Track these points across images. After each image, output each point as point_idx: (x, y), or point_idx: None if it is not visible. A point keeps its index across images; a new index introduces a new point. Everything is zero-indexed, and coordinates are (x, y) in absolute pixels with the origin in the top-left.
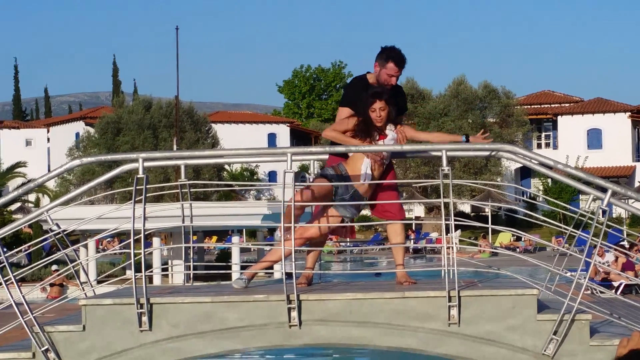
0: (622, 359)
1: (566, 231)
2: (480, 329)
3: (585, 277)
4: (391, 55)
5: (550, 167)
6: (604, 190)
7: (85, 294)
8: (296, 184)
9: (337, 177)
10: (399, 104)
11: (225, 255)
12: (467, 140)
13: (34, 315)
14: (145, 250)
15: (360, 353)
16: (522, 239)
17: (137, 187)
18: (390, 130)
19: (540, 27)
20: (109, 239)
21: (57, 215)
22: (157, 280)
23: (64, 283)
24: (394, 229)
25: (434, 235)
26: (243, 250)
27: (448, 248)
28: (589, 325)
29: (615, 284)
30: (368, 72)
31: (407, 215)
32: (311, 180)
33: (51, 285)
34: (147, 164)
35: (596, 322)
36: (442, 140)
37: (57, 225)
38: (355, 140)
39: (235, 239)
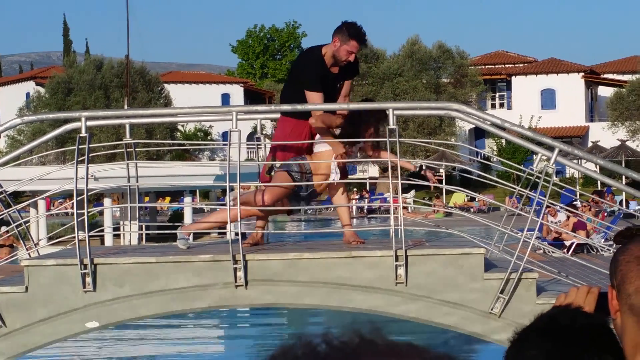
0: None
1: (516, 191)
2: (427, 288)
3: (533, 237)
4: (354, 34)
5: (498, 126)
6: (552, 149)
7: (29, 254)
8: (249, 143)
9: (299, 175)
10: (350, 70)
11: (177, 216)
12: (419, 172)
13: None
14: (91, 210)
15: (313, 313)
16: (476, 199)
17: (80, 147)
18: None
19: None
20: (60, 200)
21: (4, 175)
22: (109, 242)
23: (14, 244)
24: (336, 189)
25: (388, 195)
26: (196, 211)
27: (396, 208)
28: (536, 284)
29: (567, 243)
30: (321, 46)
31: (362, 175)
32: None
33: (1, 246)
34: (90, 123)
35: (545, 280)
36: (404, 165)
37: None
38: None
39: (187, 199)
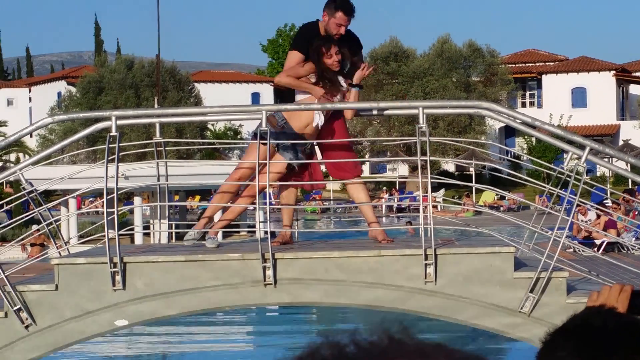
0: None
1: (546, 190)
2: (456, 287)
3: (563, 235)
4: (340, 5)
5: (529, 125)
6: (583, 147)
7: (59, 253)
8: (279, 141)
9: (273, 133)
10: (353, 48)
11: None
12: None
13: (6, 275)
14: (121, 208)
15: (343, 311)
16: (506, 198)
17: (110, 146)
18: (342, 80)
19: None
20: (91, 199)
21: (36, 174)
22: (139, 240)
23: (45, 243)
24: (354, 187)
25: (417, 194)
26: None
27: (426, 207)
28: (566, 283)
29: (598, 242)
30: (319, 20)
31: (391, 174)
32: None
33: (32, 244)
34: (120, 122)
35: (575, 279)
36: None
37: (30, 183)
38: (312, 86)
39: None
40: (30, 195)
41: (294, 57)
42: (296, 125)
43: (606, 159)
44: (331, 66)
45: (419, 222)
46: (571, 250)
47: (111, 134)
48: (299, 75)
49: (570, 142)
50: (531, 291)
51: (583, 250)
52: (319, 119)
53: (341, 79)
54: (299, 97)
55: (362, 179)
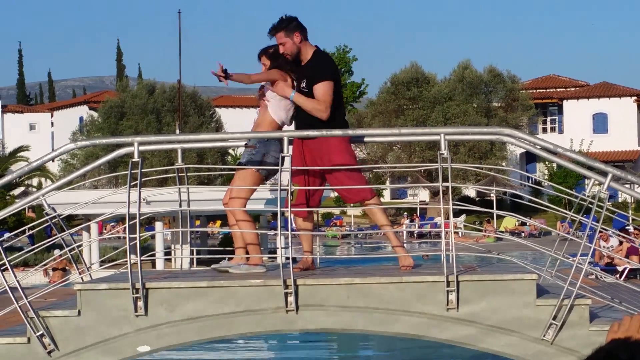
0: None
1: (568, 216)
2: (478, 314)
3: (585, 262)
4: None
5: (550, 151)
6: (605, 174)
7: (82, 278)
8: (300, 167)
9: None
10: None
11: (228, 240)
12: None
13: (28, 300)
14: (143, 234)
15: (363, 338)
16: (527, 224)
17: (133, 171)
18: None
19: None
20: (112, 224)
21: (58, 199)
22: (160, 265)
23: (67, 268)
24: (371, 211)
25: (438, 219)
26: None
27: (448, 233)
28: (589, 310)
29: (620, 268)
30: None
31: (412, 199)
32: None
33: (53, 269)
34: (142, 147)
35: (597, 307)
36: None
37: (53, 209)
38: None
39: None
40: (53, 221)
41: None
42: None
43: (628, 186)
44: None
45: (441, 249)
46: (593, 276)
47: (133, 160)
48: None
49: (591, 168)
50: (554, 319)
51: (605, 277)
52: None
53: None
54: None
55: (383, 205)
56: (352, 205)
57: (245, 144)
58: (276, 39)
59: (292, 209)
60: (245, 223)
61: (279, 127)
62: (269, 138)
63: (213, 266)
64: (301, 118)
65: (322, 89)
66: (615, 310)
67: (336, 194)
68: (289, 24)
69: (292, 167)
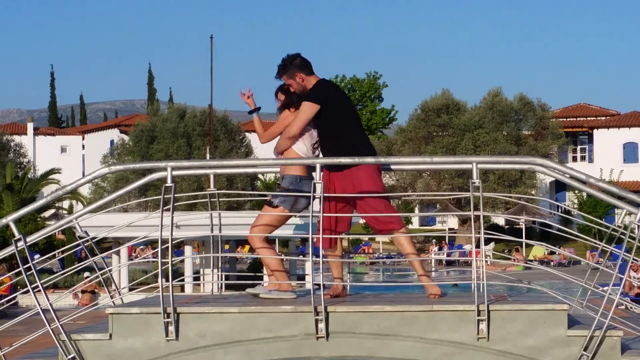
0: None
1: (598, 246)
2: (509, 344)
3: (617, 293)
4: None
5: (582, 181)
6: (637, 205)
7: (113, 302)
8: (331, 195)
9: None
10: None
11: (257, 265)
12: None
13: (60, 323)
14: (175, 259)
15: None
16: (556, 253)
17: (166, 196)
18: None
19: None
20: (142, 247)
21: (88, 222)
22: (188, 289)
23: (96, 290)
24: (397, 241)
25: (467, 247)
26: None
27: (478, 261)
28: (621, 342)
29: None
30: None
31: (441, 226)
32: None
33: (83, 292)
34: (175, 172)
35: (628, 338)
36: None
37: (86, 232)
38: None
39: None
40: (85, 244)
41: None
42: (293, 174)
43: None
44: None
45: (471, 277)
46: (623, 307)
47: (167, 185)
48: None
49: (621, 198)
50: (585, 349)
51: (635, 308)
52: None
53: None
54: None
55: (408, 232)
56: (375, 233)
57: (278, 183)
58: (284, 81)
59: (323, 235)
60: (264, 250)
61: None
62: (302, 165)
63: (248, 290)
64: (327, 147)
65: (302, 108)
66: None
67: (364, 220)
68: (289, 67)
69: (324, 195)
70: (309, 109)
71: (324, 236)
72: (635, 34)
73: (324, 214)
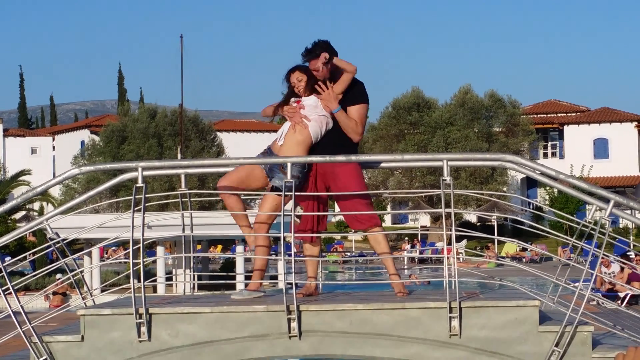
0: None
1: (569, 242)
2: (481, 341)
3: (587, 288)
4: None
5: (552, 177)
6: (607, 200)
7: (85, 303)
8: (304, 193)
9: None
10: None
11: (229, 265)
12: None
13: (32, 325)
14: (147, 259)
15: None
16: (528, 249)
17: (137, 197)
18: (311, 96)
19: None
20: (114, 248)
21: (59, 223)
22: (161, 290)
23: (67, 292)
24: (374, 238)
25: (439, 245)
26: (248, 260)
27: (449, 259)
28: (592, 337)
29: (621, 294)
30: None
31: (413, 224)
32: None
33: (54, 294)
34: (146, 173)
35: (599, 333)
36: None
37: (57, 234)
38: (271, 109)
39: (239, 248)
40: (56, 245)
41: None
42: (282, 154)
43: (629, 212)
44: (297, 92)
45: (442, 274)
46: (594, 302)
47: (138, 185)
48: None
49: (592, 194)
50: (556, 345)
51: (606, 304)
52: (282, 131)
53: (312, 98)
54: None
55: (384, 230)
56: (354, 231)
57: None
58: (309, 65)
59: (296, 235)
60: (263, 249)
61: (312, 145)
62: (274, 162)
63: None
64: (329, 138)
65: (360, 111)
66: (617, 337)
67: (337, 218)
68: (317, 53)
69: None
70: (366, 111)
71: (298, 235)
72: (604, 31)
73: (306, 213)
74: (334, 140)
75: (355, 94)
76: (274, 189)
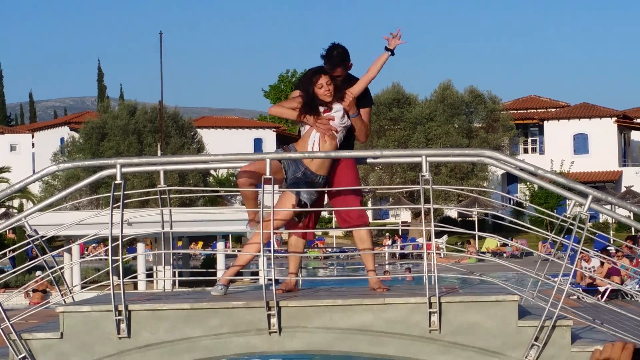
0: None
1: (549, 237)
2: (461, 336)
3: (567, 283)
4: (327, 60)
5: (531, 173)
6: (585, 195)
7: (64, 300)
8: (282, 189)
9: (287, 159)
10: (360, 97)
11: (210, 261)
12: (391, 52)
13: (11, 322)
14: (127, 256)
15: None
16: (509, 245)
17: (116, 193)
18: (336, 104)
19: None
20: (94, 245)
21: (39, 221)
22: (142, 286)
23: (47, 289)
24: (359, 235)
25: (420, 240)
26: (229, 256)
27: (429, 254)
28: (571, 331)
29: (601, 289)
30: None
31: (394, 220)
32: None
33: (34, 291)
34: (124, 169)
35: (579, 327)
36: (375, 67)
37: (35, 231)
38: (292, 112)
39: (220, 244)
40: (35, 242)
41: (292, 93)
42: (314, 167)
43: (608, 207)
44: (322, 96)
45: (423, 270)
46: (575, 297)
47: (116, 182)
48: (290, 106)
49: (571, 190)
50: (536, 340)
51: (586, 298)
52: (312, 146)
53: (338, 108)
54: (303, 131)
55: (367, 227)
56: (347, 229)
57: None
58: (335, 71)
59: (276, 231)
60: (253, 246)
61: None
62: (252, 159)
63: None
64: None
65: (368, 114)
66: (596, 331)
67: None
68: (348, 60)
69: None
70: (370, 112)
71: (277, 231)
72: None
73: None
74: (342, 142)
75: (365, 97)
76: (291, 184)
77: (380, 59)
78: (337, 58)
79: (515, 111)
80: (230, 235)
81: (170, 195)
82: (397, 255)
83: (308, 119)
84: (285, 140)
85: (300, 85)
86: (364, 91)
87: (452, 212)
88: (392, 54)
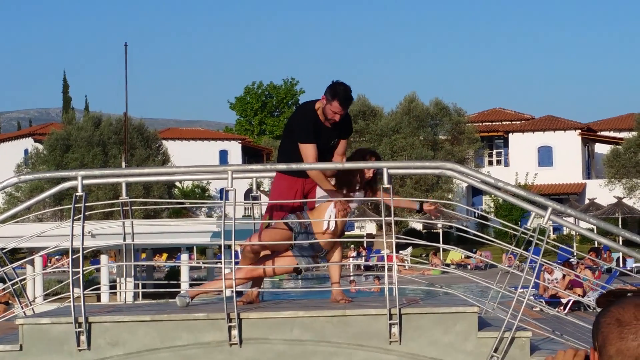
0: None
1: (511, 249)
2: (421, 347)
3: (527, 294)
4: (337, 94)
5: (492, 186)
6: (545, 208)
7: (24, 312)
8: (245, 202)
9: (299, 226)
10: (345, 129)
11: (174, 273)
12: (421, 209)
13: None
14: (87, 268)
15: None
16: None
17: (77, 205)
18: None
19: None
20: (57, 257)
21: (0, 232)
22: (105, 298)
23: (9, 301)
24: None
25: (385, 252)
26: (193, 268)
27: (391, 266)
28: (530, 342)
29: (564, 300)
30: (315, 100)
31: (359, 232)
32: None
33: None
34: (86, 181)
35: (539, 339)
36: (405, 202)
37: None
38: (328, 183)
39: (184, 256)
40: None
41: (309, 149)
42: (317, 231)
43: (571, 219)
44: (365, 177)
45: (385, 282)
46: (538, 309)
47: (77, 194)
48: (326, 175)
49: (532, 202)
50: (495, 351)
51: (549, 310)
52: (330, 215)
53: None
54: (319, 194)
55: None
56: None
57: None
58: (338, 110)
59: (237, 242)
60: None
61: None
62: (214, 171)
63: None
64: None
65: (346, 144)
66: (556, 343)
67: None
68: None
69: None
70: None
71: (239, 242)
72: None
73: (242, 221)
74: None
75: (348, 128)
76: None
77: (411, 204)
78: (350, 100)
79: (480, 123)
80: (194, 247)
81: (135, 207)
82: (362, 267)
83: (338, 193)
84: (251, 152)
85: (310, 139)
86: (347, 123)
87: (417, 224)
88: (419, 210)
